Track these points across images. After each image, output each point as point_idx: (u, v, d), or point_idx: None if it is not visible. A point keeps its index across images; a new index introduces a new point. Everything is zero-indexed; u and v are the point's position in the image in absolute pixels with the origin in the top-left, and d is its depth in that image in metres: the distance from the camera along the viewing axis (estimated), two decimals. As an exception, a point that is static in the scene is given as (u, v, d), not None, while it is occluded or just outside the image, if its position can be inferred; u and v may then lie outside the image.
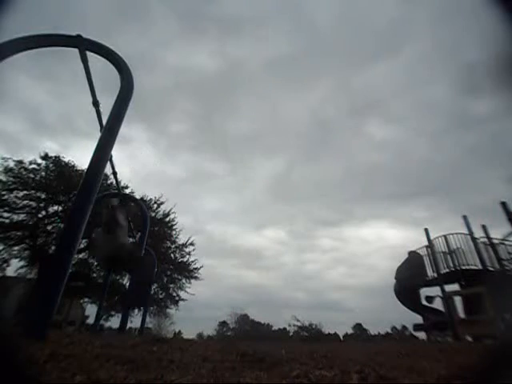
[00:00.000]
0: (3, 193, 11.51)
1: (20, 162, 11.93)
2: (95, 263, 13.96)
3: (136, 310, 13.52)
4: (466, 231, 9.08)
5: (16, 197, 11.86)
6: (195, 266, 14.74)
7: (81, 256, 13.21)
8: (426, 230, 9.81)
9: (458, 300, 8.76)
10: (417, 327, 9.86)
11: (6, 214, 11.63)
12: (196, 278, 14.78)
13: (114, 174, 6.71)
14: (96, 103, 4.36)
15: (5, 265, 12.43)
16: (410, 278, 9.55)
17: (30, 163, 12.13)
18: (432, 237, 9.69)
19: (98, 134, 3.08)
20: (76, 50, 3.63)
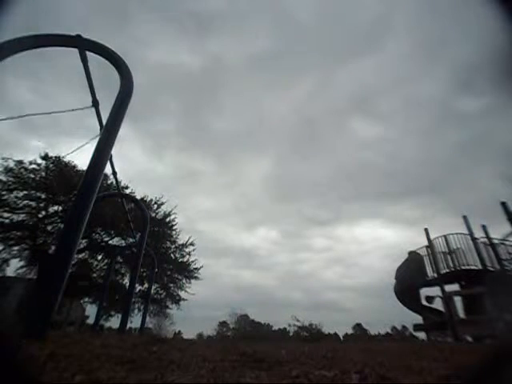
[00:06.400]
0: (3, 193, 11.50)
1: (20, 162, 11.92)
2: (95, 263, 13.98)
3: (136, 310, 13.53)
4: (465, 231, 9.09)
5: (16, 197, 11.85)
6: (195, 266, 14.79)
7: (81, 256, 13.22)
8: (426, 230, 9.80)
9: (458, 300, 8.76)
10: (417, 327, 9.86)
11: (6, 214, 11.62)
12: (196, 277, 14.83)
13: (114, 173, 6.73)
14: (95, 103, 4.36)
15: (5, 265, 12.43)
16: (410, 278, 9.55)
17: (30, 163, 12.12)
18: (431, 237, 9.70)
19: (88, 134, 3.07)
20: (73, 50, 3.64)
